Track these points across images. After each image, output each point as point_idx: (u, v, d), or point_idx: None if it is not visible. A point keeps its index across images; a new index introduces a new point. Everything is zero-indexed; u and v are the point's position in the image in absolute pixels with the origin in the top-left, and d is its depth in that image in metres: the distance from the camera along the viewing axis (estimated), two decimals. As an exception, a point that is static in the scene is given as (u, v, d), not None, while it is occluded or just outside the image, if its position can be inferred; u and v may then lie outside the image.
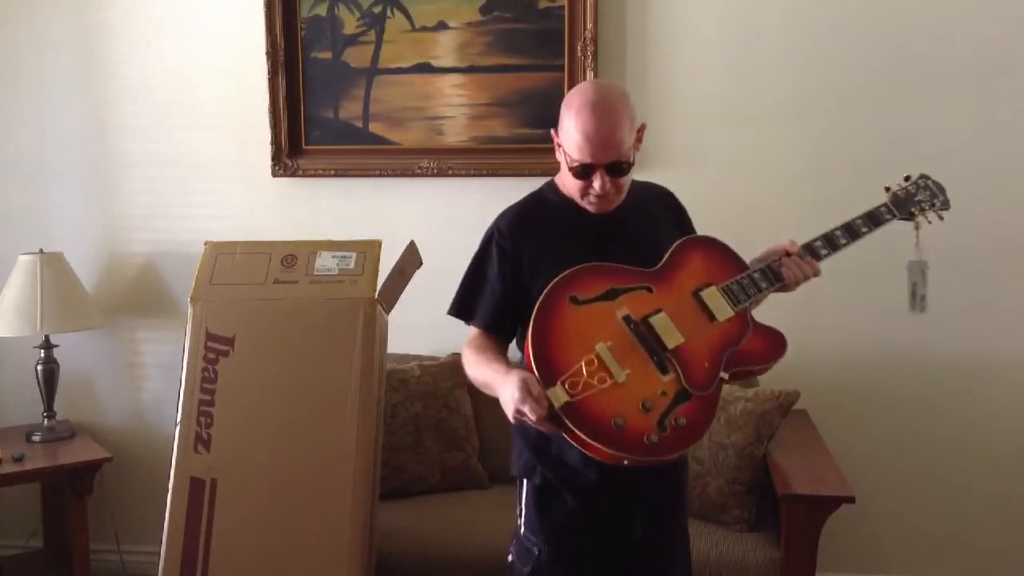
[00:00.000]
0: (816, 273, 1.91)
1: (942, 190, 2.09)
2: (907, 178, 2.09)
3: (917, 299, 2.12)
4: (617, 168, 1.80)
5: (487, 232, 1.95)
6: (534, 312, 1.75)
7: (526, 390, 1.65)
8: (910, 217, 2.05)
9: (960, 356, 3.01)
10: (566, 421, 1.66)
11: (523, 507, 1.95)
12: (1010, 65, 2.91)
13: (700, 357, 1.77)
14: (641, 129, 1.89)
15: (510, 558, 1.98)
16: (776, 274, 1.88)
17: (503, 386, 1.72)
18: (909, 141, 2.96)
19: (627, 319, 1.76)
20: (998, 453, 3.04)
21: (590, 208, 1.87)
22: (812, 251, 1.93)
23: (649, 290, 1.80)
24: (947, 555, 3.07)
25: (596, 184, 1.80)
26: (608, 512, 1.89)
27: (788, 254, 1.90)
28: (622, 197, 1.88)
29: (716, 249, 1.91)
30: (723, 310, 1.81)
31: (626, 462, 1.69)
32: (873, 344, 3.05)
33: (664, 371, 1.73)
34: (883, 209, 2.02)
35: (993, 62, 2.92)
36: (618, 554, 1.91)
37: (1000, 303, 2.96)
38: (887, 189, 2.06)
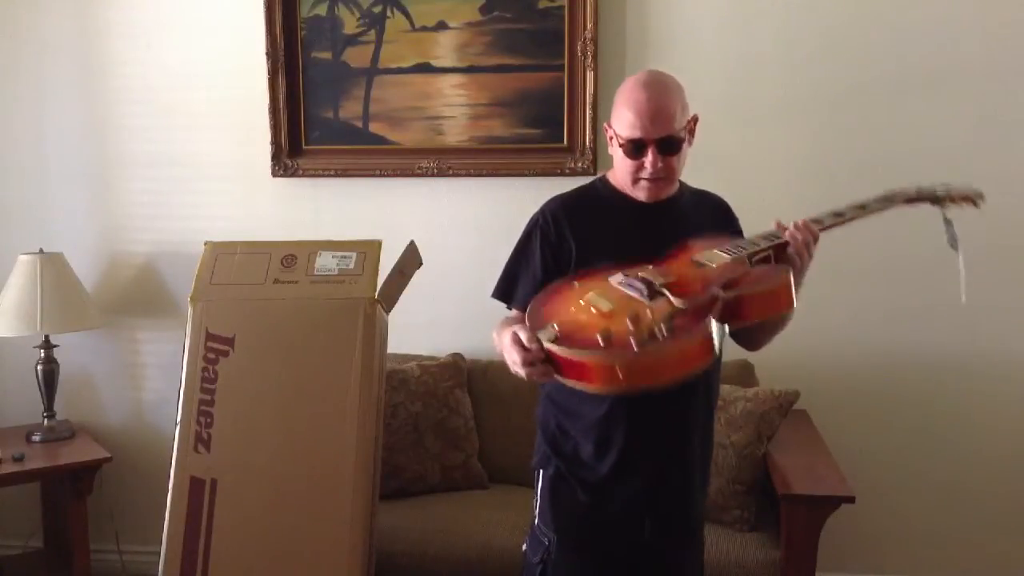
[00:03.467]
0: (814, 235, 1.79)
1: (971, 195, 1.97)
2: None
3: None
4: (668, 144, 1.80)
5: (533, 217, 1.94)
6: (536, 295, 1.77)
7: (516, 340, 1.66)
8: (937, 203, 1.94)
9: (960, 356, 3.01)
10: (557, 351, 1.62)
11: (538, 498, 1.97)
12: (1011, 64, 2.91)
13: (694, 284, 1.70)
14: (693, 121, 1.89)
15: (524, 548, 2.00)
16: (775, 235, 1.80)
17: (504, 349, 1.74)
18: (909, 140, 2.96)
19: (622, 276, 1.74)
20: (998, 453, 3.04)
21: (641, 195, 1.86)
22: (815, 220, 1.83)
23: (648, 262, 1.77)
24: (947, 555, 3.07)
25: (648, 162, 1.80)
26: (619, 510, 1.88)
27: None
28: (674, 184, 1.89)
29: (720, 238, 1.86)
30: (719, 259, 1.76)
31: (621, 375, 1.59)
32: (873, 344, 3.05)
33: (654, 299, 1.67)
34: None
35: (993, 61, 2.92)
36: (627, 552, 1.91)
37: (1000, 303, 2.96)
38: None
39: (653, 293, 1.67)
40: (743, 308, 1.69)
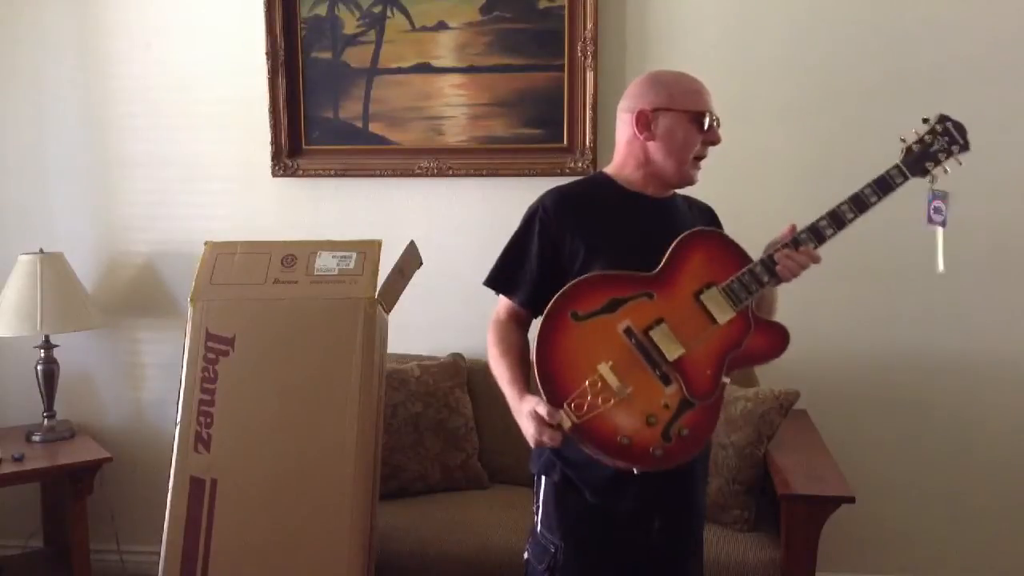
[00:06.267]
0: (814, 260, 1.81)
1: (962, 131, 1.88)
2: (925, 121, 1.89)
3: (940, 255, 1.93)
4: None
5: (532, 206, 1.91)
6: (538, 330, 1.75)
7: (541, 421, 1.69)
8: (924, 174, 1.87)
9: (959, 356, 3.01)
10: (574, 440, 1.71)
11: (540, 504, 1.94)
12: (1010, 65, 2.92)
13: (702, 365, 1.76)
14: None
15: (526, 556, 1.98)
16: (771, 268, 1.80)
17: (517, 414, 1.78)
18: (909, 141, 2.97)
19: (628, 332, 1.74)
20: (997, 453, 3.04)
21: (690, 179, 1.89)
22: (816, 232, 1.81)
23: (650, 296, 1.77)
24: (947, 555, 3.07)
25: (717, 135, 1.88)
26: (628, 508, 1.87)
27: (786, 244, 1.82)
28: None
29: (717, 243, 1.85)
30: (724, 312, 1.78)
31: (636, 471, 1.74)
32: (873, 344, 3.05)
33: (667, 383, 1.74)
34: (894, 173, 1.85)
35: (993, 61, 2.92)
36: (636, 553, 1.90)
37: (1000, 303, 2.96)
38: (902, 141, 1.89)
39: (667, 377, 1.74)
40: (739, 366, 1.85)
